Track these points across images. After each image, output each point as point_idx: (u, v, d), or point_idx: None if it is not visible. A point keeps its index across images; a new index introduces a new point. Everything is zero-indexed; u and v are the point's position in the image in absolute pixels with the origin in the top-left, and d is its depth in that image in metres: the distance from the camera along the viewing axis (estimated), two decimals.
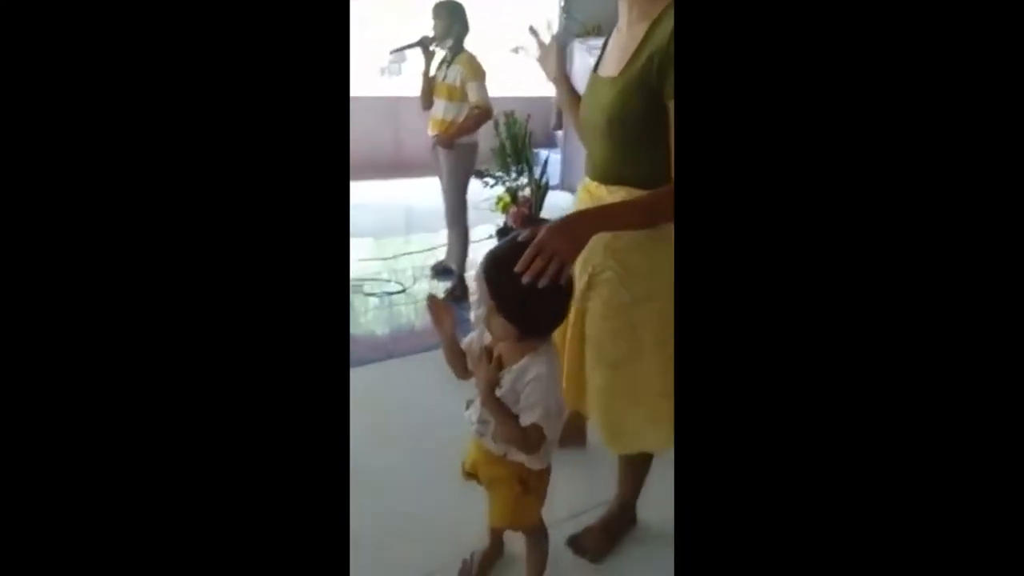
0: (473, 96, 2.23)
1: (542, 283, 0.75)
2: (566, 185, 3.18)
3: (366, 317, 2.43)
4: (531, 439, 0.84)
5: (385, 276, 2.71)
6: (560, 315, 0.84)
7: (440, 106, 2.30)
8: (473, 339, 0.96)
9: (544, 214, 3.04)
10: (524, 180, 3.09)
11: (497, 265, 0.80)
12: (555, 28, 1.15)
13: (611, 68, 0.93)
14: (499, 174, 3.10)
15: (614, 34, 0.99)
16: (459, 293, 2.45)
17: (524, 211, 2.96)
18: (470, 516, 1.23)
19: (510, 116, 3.04)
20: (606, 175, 0.97)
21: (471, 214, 2.51)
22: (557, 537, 1.13)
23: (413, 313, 2.46)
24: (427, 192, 2.65)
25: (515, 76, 3.97)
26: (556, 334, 0.93)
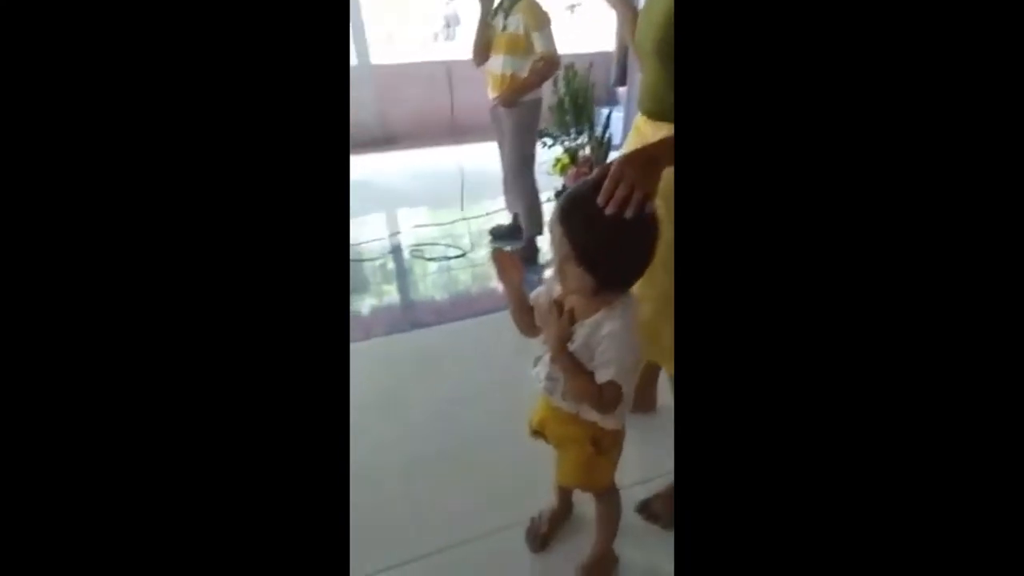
0: (539, 46, 2.07)
1: (629, 213, 0.69)
2: None
3: (425, 282, 2.45)
4: (607, 397, 0.79)
5: (444, 242, 2.71)
6: (643, 262, 0.76)
7: (499, 60, 2.16)
8: (541, 293, 0.91)
9: None
10: (584, 139, 2.96)
11: (575, 204, 0.74)
12: None
13: None
14: (557, 134, 2.98)
15: None
16: (528, 255, 2.39)
17: (584, 171, 2.85)
18: (538, 476, 1.22)
19: (570, 70, 2.89)
20: (654, 108, 0.89)
21: None
22: (626, 502, 1.10)
23: (471, 278, 2.45)
24: (483, 157, 2.60)
25: (572, 30, 3.78)
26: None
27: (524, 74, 2.14)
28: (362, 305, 2.22)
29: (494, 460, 1.37)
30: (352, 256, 2.52)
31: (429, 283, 2.44)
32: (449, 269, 2.52)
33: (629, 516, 1.14)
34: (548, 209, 2.51)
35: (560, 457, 0.97)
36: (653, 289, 0.93)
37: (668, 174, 0.78)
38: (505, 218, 2.76)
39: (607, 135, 2.94)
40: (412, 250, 2.63)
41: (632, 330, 0.79)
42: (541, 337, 0.92)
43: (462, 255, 2.59)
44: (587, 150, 2.93)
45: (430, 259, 2.57)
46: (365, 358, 1.80)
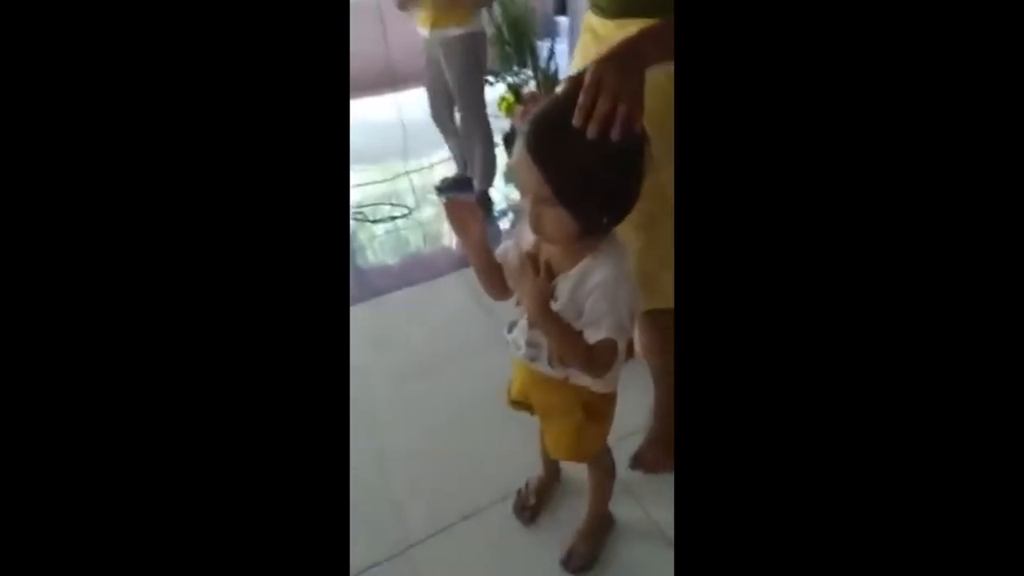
0: None
1: (615, 134, 0.55)
2: None
3: (373, 246, 2.25)
4: (601, 358, 0.67)
5: (388, 201, 2.50)
6: (634, 193, 0.62)
7: None
8: (509, 248, 0.77)
9: None
10: (528, 73, 2.73)
11: (547, 130, 0.58)
12: None
13: None
14: (498, 70, 2.74)
15: None
16: (482, 208, 2.23)
17: (530, 109, 2.65)
18: (518, 445, 1.12)
19: None
20: (614, 5, 0.75)
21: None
22: (619, 456, 1.02)
23: (422, 238, 2.27)
24: (425, 104, 2.37)
25: None
26: None
27: None
28: None
29: (473, 433, 1.27)
30: None
31: (377, 247, 2.25)
32: (397, 230, 2.32)
33: (621, 471, 1.07)
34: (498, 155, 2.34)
35: (547, 427, 0.86)
36: (654, 233, 0.80)
37: (654, 78, 0.63)
38: (451, 169, 2.56)
39: (554, 68, 2.73)
40: (354, 212, 2.40)
41: (625, 277, 0.66)
42: (514, 298, 0.80)
43: (408, 213, 2.40)
44: (532, 85, 2.72)
45: (375, 221, 2.36)
46: None
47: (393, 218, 2.37)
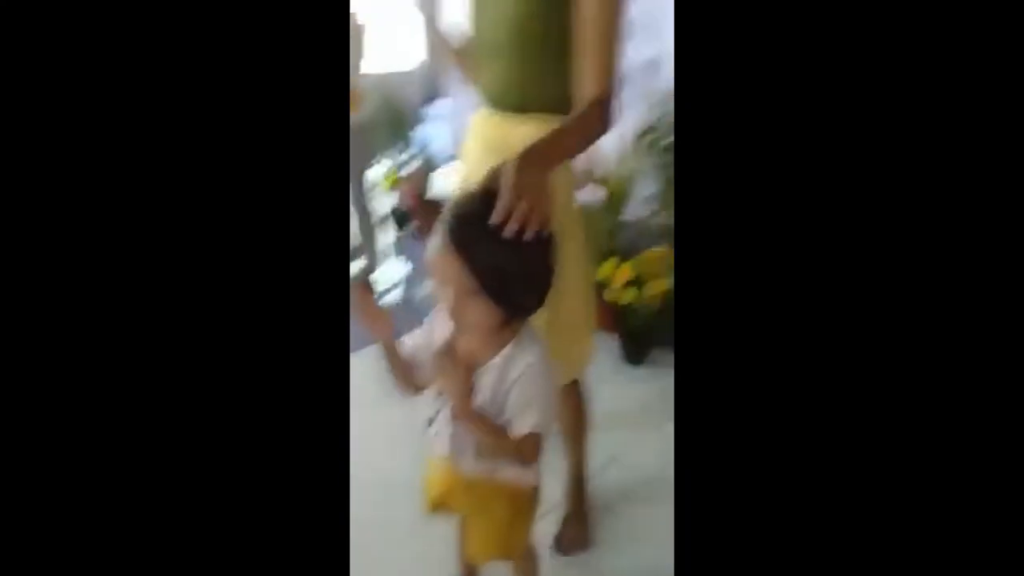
0: None
1: (529, 234, 0.58)
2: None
3: None
4: (529, 450, 0.66)
5: None
6: (549, 281, 0.65)
7: None
8: (420, 344, 0.74)
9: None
10: (406, 156, 2.81)
11: (470, 224, 0.59)
12: None
13: None
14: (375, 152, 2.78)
15: None
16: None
17: (413, 188, 2.70)
18: (433, 552, 1.04)
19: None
20: (513, 103, 0.83)
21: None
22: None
23: None
24: None
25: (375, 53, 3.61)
26: None
27: None
28: None
29: (380, 542, 1.14)
30: None
31: None
32: None
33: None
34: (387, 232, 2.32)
35: (471, 529, 0.81)
36: (557, 311, 0.83)
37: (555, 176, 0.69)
38: None
39: (431, 150, 2.84)
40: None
41: (546, 364, 0.67)
42: (431, 391, 0.76)
43: None
44: (412, 167, 2.79)
45: None
46: None
47: None
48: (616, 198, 1.70)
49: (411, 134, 2.86)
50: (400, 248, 2.49)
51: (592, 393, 1.04)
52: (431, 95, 4.22)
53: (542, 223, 0.59)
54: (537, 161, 0.63)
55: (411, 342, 0.74)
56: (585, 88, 0.74)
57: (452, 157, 2.93)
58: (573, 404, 1.03)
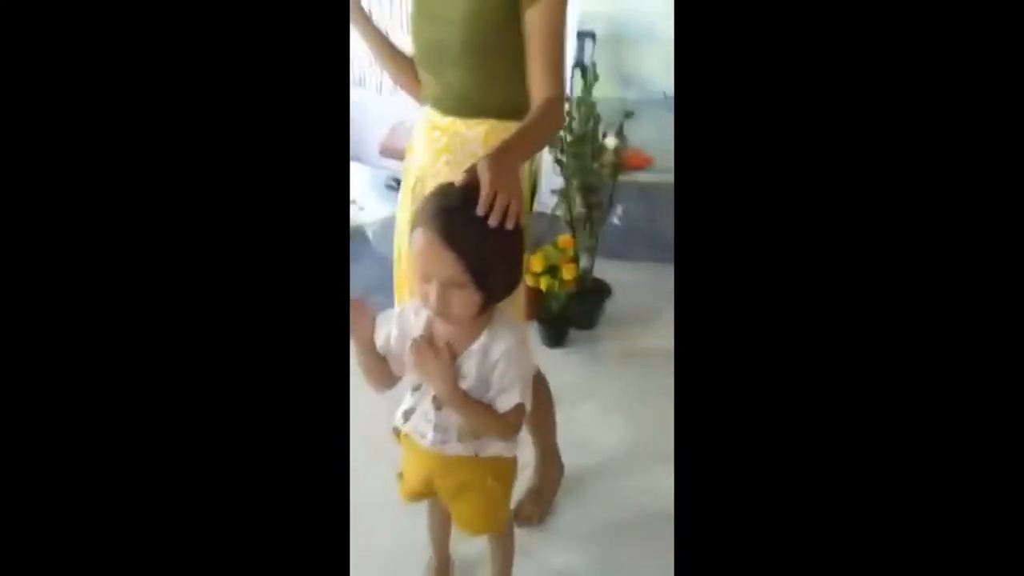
0: None
1: (509, 224, 0.63)
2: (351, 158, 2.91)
3: None
4: (513, 423, 0.72)
5: None
6: (521, 268, 0.71)
7: None
8: (392, 335, 0.76)
9: None
10: None
11: (456, 219, 0.63)
12: None
13: None
14: None
15: None
16: None
17: None
18: (403, 541, 1.05)
19: None
20: (465, 106, 0.87)
21: None
22: None
23: None
24: None
25: None
26: None
27: None
28: None
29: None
30: None
31: None
32: None
33: None
34: None
35: (458, 507, 0.84)
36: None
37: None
38: None
39: None
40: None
41: (523, 343, 0.74)
42: (408, 386, 0.78)
43: None
44: None
45: None
46: None
47: None
48: (529, 191, 1.81)
49: None
50: None
51: None
52: None
53: (516, 215, 0.65)
54: (509, 158, 0.69)
55: (381, 336, 0.76)
56: (539, 89, 0.80)
57: None
58: (538, 390, 1.11)
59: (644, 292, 1.93)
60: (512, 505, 0.94)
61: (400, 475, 0.88)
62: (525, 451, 1.18)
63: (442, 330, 0.73)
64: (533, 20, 0.79)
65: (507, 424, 0.72)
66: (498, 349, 0.71)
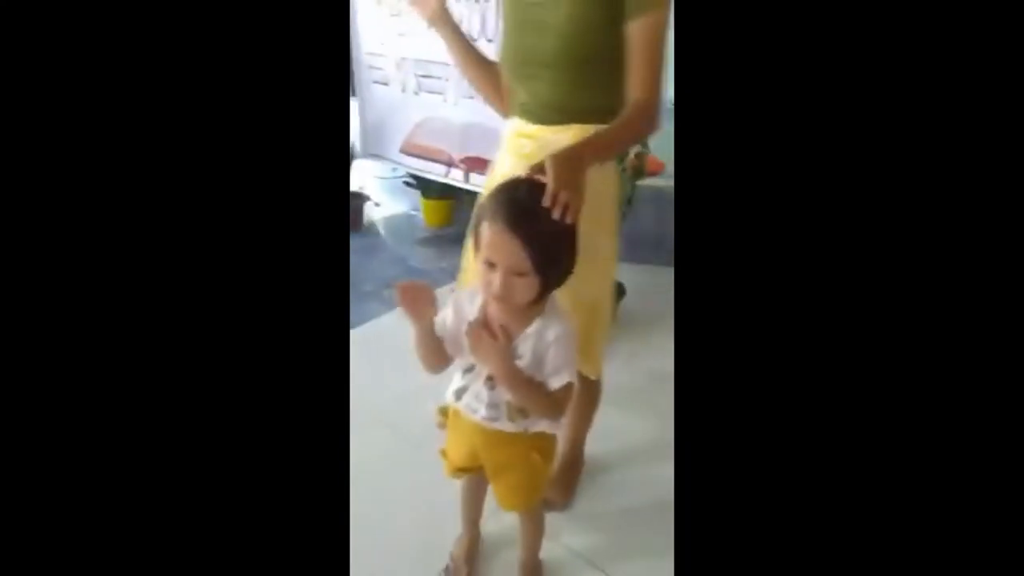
0: None
1: (569, 219, 0.69)
2: (370, 154, 2.96)
3: None
4: (563, 402, 0.78)
5: None
6: (574, 261, 0.77)
7: None
8: (448, 320, 0.82)
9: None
10: None
11: (525, 211, 0.69)
12: None
13: None
14: None
15: None
16: None
17: None
18: (427, 519, 1.11)
19: None
20: (554, 113, 0.90)
21: None
22: None
23: None
24: None
25: None
26: None
27: None
28: None
29: (383, 522, 1.17)
30: None
31: None
32: None
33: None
34: None
35: (501, 482, 0.90)
36: (597, 314, 0.96)
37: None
38: None
39: None
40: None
41: (573, 328, 0.80)
42: (460, 367, 0.84)
43: None
44: None
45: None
46: None
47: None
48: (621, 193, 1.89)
49: None
50: None
51: None
52: None
53: (575, 212, 0.71)
54: (578, 157, 0.75)
55: (437, 320, 0.82)
56: (635, 93, 0.83)
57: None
58: (588, 406, 1.21)
59: (652, 294, 2.01)
60: None
61: (443, 452, 0.95)
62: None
63: (496, 315, 0.79)
64: (639, 30, 0.81)
65: (557, 402, 0.78)
66: (552, 332, 0.77)
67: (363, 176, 3.05)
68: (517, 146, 0.96)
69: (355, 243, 2.69)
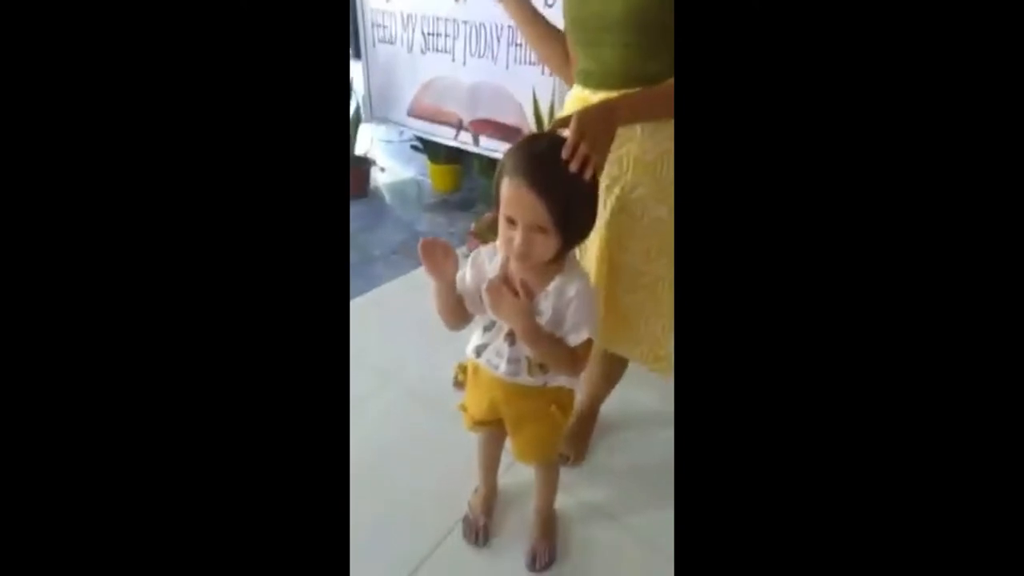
0: None
1: (587, 173, 0.69)
2: (376, 117, 2.90)
3: None
4: (583, 357, 0.80)
5: None
6: (595, 217, 0.77)
7: None
8: (467, 277, 0.83)
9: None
10: None
11: (544, 165, 0.68)
12: None
13: None
14: None
15: None
16: None
17: None
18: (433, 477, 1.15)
19: None
20: (616, 79, 0.88)
21: None
22: None
23: None
24: None
25: None
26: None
27: None
28: None
29: (403, 476, 1.21)
30: None
31: None
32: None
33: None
34: None
35: (519, 435, 0.93)
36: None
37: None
38: None
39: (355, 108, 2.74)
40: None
41: (591, 285, 0.80)
42: (479, 323, 0.85)
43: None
44: None
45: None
46: None
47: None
48: None
49: None
50: None
51: None
52: None
53: (596, 167, 0.71)
54: (607, 112, 0.73)
55: (458, 277, 0.82)
56: None
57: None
58: (614, 373, 1.23)
59: None
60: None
61: (463, 407, 0.97)
62: None
63: (516, 272, 0.79)
64: None
65: (576, 358, 0.80)
66: (573, 288, 0.77)
67: (369, 140, 3.01)
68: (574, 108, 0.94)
69: (361, 209, 2.68)
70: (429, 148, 2.79)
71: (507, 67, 2.16)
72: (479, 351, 0.86)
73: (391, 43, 2.52)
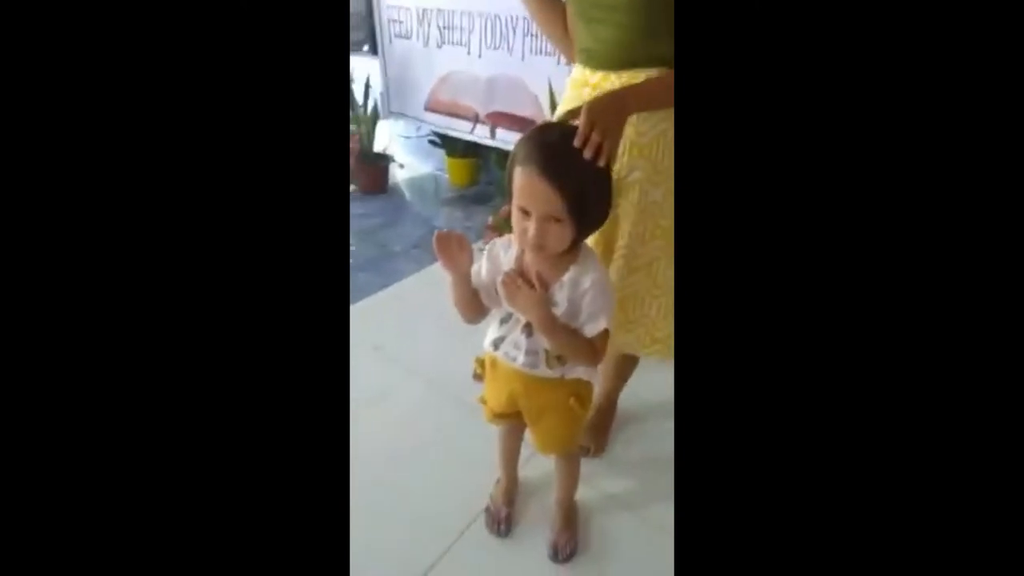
0: None
1: (601, 161, 0.68)
2: (393, 112, 2.92)
3: None
4: (600, 347, 0.79)
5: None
6: (609, 206, 0.76)
7: None
8: (482, 270, 0.83)
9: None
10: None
11: (559, 153, 0.68)
12: None
13: None
14: None
15: None
16: None
17: (355, 146, 2.63)
18: (465, 461, 1.16)
19: None
20: (618, 60, 0.87)
21: None
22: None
23: None
24: None
25: None
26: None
27: None
28: None
29: (426, 469, 1.23)
30: None
31: None
32: None
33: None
34: None
35: (539, 427, 0.93)
36: (633, 259, 0.96)
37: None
38: None
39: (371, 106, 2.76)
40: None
41: (606, 276, 0.80)
42: (497, 317, 0.86)
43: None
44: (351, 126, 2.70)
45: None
46: None
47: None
48: None
49: None
50: None
51: None
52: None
53: (608, 157, 0.70)
54: (618, 100, 0.73)
55: (474, 271, 0.83)
56: None
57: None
58: (627, 364, 1.23)
59: None
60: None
61: (482, 400, 0.98)
62: None
63: (531, 264, 0.79)
64: None
65: (594, 348, 0.79)
66: (588, 279, 0.77)
67: (387, 136, 3.03)
68: (579, 96, 0.93)
69: (381, 205, 2.71)
70: (446, 143, 2.80)
71: (523, 58, 2.15)
72: (497, 344, 0.86)
73: (407, 38, 2.53)
